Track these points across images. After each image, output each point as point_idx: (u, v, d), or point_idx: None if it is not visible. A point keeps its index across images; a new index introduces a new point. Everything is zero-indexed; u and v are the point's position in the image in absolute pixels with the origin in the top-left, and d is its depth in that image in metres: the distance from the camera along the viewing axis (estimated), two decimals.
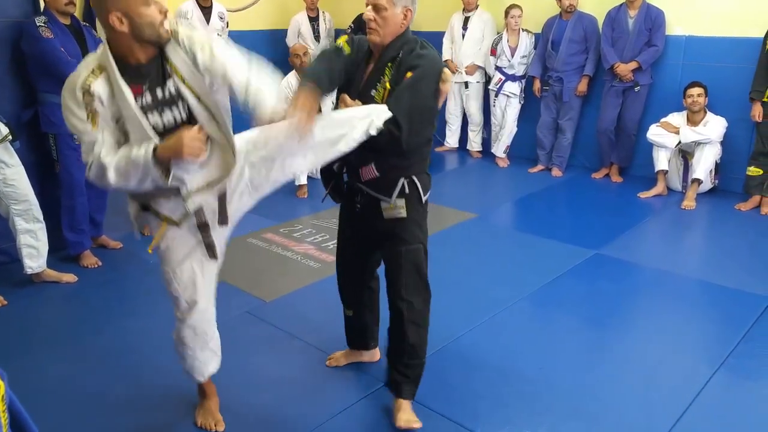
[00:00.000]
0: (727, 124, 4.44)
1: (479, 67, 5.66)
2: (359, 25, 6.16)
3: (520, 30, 5.34)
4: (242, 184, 1.88)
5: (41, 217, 3.17)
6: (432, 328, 2.77)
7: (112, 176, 1.70)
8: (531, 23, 5.34)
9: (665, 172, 4.66)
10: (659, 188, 4.68)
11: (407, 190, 2.04)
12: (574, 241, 3.81)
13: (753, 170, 4.38)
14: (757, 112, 4.26)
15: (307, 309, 3.00)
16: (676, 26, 4.79)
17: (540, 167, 5.44)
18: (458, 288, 3.22)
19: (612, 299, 3.13)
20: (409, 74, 1.90)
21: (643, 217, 4.30)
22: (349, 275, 2.37)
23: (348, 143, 1.86)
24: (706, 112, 4.50)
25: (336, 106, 2.03)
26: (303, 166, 1.93)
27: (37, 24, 3.17)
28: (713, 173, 4.59)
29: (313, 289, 3.21)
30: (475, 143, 5.95)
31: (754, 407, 2.29)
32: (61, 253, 3.52)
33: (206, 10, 5.46)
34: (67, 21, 3.31)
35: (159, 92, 1.74)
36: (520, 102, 5.51)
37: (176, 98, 1.76)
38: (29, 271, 3.18)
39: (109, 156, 1.71)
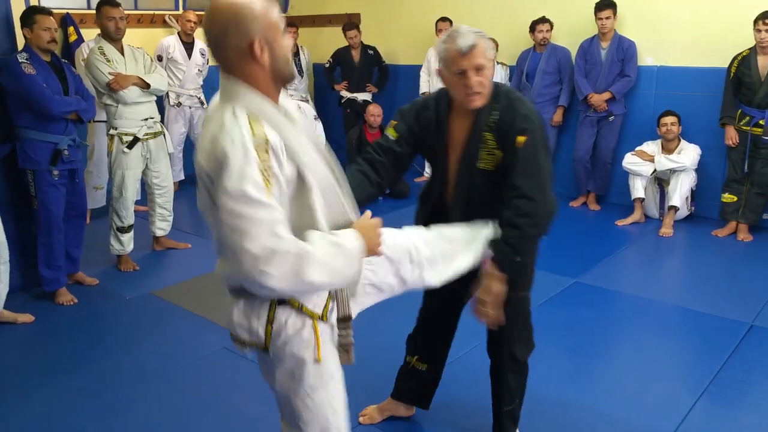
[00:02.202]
0: (701, 152, 4.55)
1: None
2: (337, 60, 6.26)
3: (495, 63, 5.44)
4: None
5: (7, 257, 3.09)
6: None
7: (316, 275, 1.23)
8: (505, 56, 5.46)
9: (642, 200, 4.73)
10: (636, 216, 4.74)
11: None
12: (554, 270, 3.82)
13: (727, 197, 4.47)
14: (730, 135, 4.37)
15: None
16: (648, 57, 4.93)
17: None
18: None
19: (592, 327, 3.13)
20: (521, 139, 1.73)
21: (621, 244, 4.35)
22: (439, 327, 2.19)
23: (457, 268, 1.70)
24: (680, 140, 4.61)
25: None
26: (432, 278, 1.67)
27: (20, 60, 3.18)
28: (689, 200, 4.67)
29: None
30: None
31: None
32: (36, 290, 3.46)
33: (188, 46, 5.52)
34: (47, 58, 3.32)
35: None
36: None
37: None
38: None
39: (308, 243, 1.25)
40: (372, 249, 1.38)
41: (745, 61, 4.25)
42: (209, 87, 5.80)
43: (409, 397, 2.33)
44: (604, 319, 3.24)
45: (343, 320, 1.47)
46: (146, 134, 3.80)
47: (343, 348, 1.48)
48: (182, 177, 5.72)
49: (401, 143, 1.90)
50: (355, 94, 6.23)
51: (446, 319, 2.18)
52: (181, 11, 5.85)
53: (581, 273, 3.78)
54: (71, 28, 5.00)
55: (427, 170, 6.11)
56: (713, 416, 2.40)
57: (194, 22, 5.43)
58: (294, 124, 1.34)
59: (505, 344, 2.01)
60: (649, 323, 3.21)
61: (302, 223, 1.30)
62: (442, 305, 2.15)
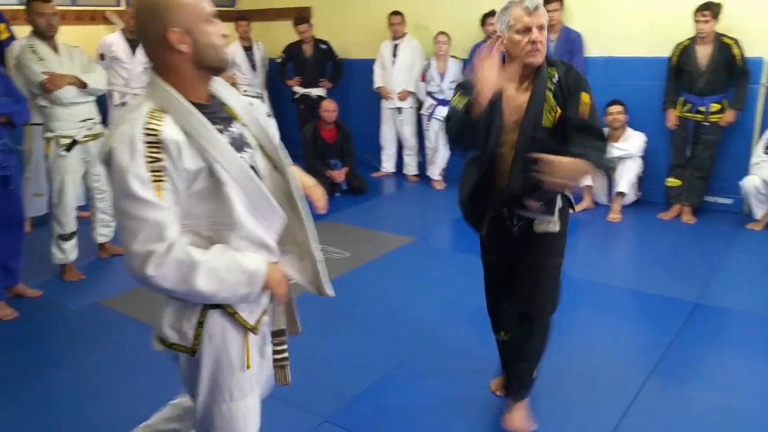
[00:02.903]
0: (647, 139, 4.68)
1: (411, 92, 5.76)
2: (289, 55, 6.18)
3: (448, 56, 5.48)
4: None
5: None
6: (373, 356, 2.78)
7: (202, 284, 1.24)
8: (459, 50, 5.49)
9: (591, 187, 4.84)
10: (586, 202, 4.86)
11: (561, 205, 2.09)
12: None
13: (672, 181, 4.62)
14: (671, 118, 4.54)
15: None
16: (594, 48, 5.03)
17: None
18: (398, 312, 3.22)
19: None
20: (585, 95, 1.93)
21: (573, 230, 4.37)
22: (506, 298, 2.32)
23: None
24: (626, 128, 4.73)
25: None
26: None
27: None
28: (636, 186, 4.81)
29: None
30: (411, 167, 6.02)
31: (686, 410, 2.37)
32: None
33: (133, 43, 5.35)
34: None
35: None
36: None
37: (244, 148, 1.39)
38: None
39: (195, 249, 1.25)
40: (274, 287, 1.39)
41: (685, 51, 4.40)
42: None
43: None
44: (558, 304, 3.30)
45: (277, 334, 1.50)
46: (85, 136, 3.66)
47: (278, 364, 1.51)
48: None
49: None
50: (308, 90, 6.17)
51: (508, 289, 2.29)
52: (123, 7, 5.67)
53: None
54: (2, 26, 4.75)
55: (385, 165, 6.12)
56: (663, 394, 2.48)
57: None
58: (228, 119, 1.36)
59: (537, 303, 2.17)
60: (601, 306, 3.30)
61: (221, 217, 1.30)
62: (503, 279, 2.30)
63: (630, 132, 4.71)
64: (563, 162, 1.80)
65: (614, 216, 4.62)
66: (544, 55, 1.95)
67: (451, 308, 3.24)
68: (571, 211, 2.17)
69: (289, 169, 1.48)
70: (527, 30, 1.90)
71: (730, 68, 4.30)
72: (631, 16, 4.82)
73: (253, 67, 6.30)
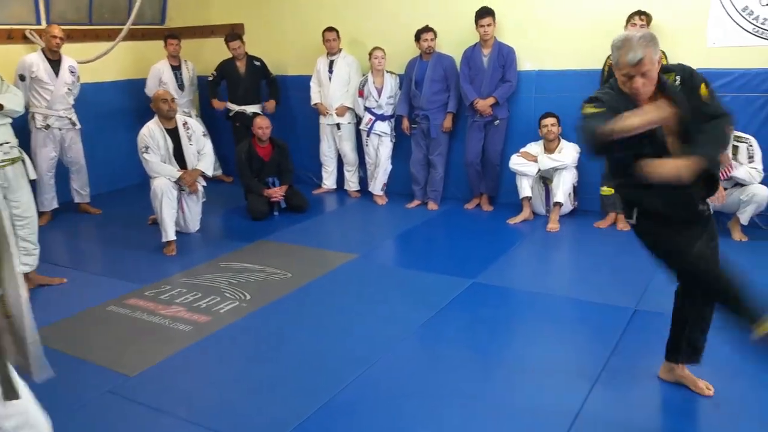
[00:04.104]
0: (580, 149, 4.81)
1: (349, 108, 5.73)
2: (222, 73, 6.04)
3: (385, 71, 5.49)
4: None
5: None
6: (317, 380, 2.69)
7: None
8: (394, 65, 5.50)
9: (529, 198, 4.92)
10: (525, 214, 4.93)
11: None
12: (453, 272, 3.88)
13: (606, 190, 4.76)
14: None
15: (178, 379, 2.76)
16: (527, 62, 5.15)
17: (416, 202, 5.55)
18: (343, 333, 3.14)
19: (493, 326, 3.19)
20: (704, 88, 2.16)
21: (514, 242, 4.50)
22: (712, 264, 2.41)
23: None
24: (560, 140, 4.85)
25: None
26: None
27: None
28: (572, 195, 4.93)
29: (185, 355, 2.96)
30: (352, 183, 5.97)
31: (633, 416, 2.39)
32: None
33: (54, 63, 5.09)
34: None
35: None
36: (391, 140, 5.63)
37: None
38: None
39: None
40: None
41: None
42: (82, 106, 5.38)
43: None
44: (502, 318, 3.31)
45: None
46: (2, 161, 3.42)
47: None
48: (55, 205, 5.26)
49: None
50: (243, 107, 6.03)
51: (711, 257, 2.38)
52: (44, 26, 5.38)
53: (479, 273, 3.85)
54: None
55: (325, 182, 6.04)
56: (608, 401, 2.49)
57: (60, 38, 5.00)
58: None
59: (714, 273, 2.28)
60: (543, 317, 3.32)
61: None
62: (705, 249, 2.35)
63: (564, 143, 4.83)
64: (664, 162, 2.07)
65: (553, 226, 4.71)
66: (652, 87, 2.15)
67: (397, 326, 3.18)
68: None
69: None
70: (630, 77, 2.12)
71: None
72: (562, 30, 4.96)
73: (180, 86, 6.13)
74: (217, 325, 3.25)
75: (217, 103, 6.06)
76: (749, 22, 4.28)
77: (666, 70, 2.20)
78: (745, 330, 2.24)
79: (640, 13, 4.41)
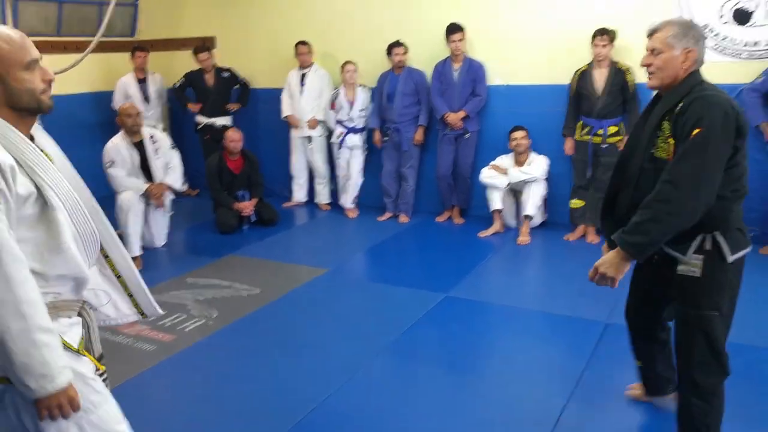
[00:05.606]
0: (550, 162, 4.85)
1: (320, 121, 5.69)
2: (189, 81, 5.96)
3: (357, 84, 5.47)
4: None
5: None
6: (288, 399, 2.61)
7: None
8: (366, 78, 5.49)
9: (500, 211, 4.94)
10: (496, 226, 4.94)
11: (707, 247, 1.85)
12: (425, 286, 3.85)
13: (575, 203, 4.80)
14: (568, 146, 4.76)
15: (141, 401, 2.65)
16: (496, 77, 5.20)
17: (388, 215, 5.52)
18: (314, 350, 3.07)
19: (465, 341, 3.16)
20: (696, 130, 1.74)
21: (485, 255, 4.49)
22: (635, 325, 2.24)
23: None
24: (529, 153, 4.88)
25: None
26: None
27: None
28: (542, 208, 4.96)
29: (149, 376, 2.86)
30: (323, 196, 5.91)
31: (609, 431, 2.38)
32: None
33: None
34: None
35: None
36: (363, 153, 5.60)
37: None
38: None
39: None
40: (59, 391, 1.30)
41: (583, 75, 4.62)
42: (48, 119, 5.20)
43: (648, 390, 2.44)
44: (475, 332, 3.28)
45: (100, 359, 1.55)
46: None
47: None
48: None
49: None
50: (212, 120, 5.94)
51: (641, 315, 2.24)
52: None
53: (451, 287, 3.83)
54: None
55: (296, 195, 5.97)
56: (583, 417, 2.48)
57: None
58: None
59: (685, 364, 1.97)
60: (517, 331, 3.31)
61: (47, 244, 1.34)
62: (638, 304, 2.24)
63: (534, 156, 4.87)
64: (599, 266, 1.91)
65: (523, 239, 4.73)
66: (662, 81, 1.91)
67: (369, 341, 3.13)
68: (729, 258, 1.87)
69: (101, 215, 1.54)
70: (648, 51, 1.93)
71: (624, 93, 4.56)
72: (530, 45, 5.02)
73: (146, 99, 6.03)
74: (183, 344, 3.15)
75: (192, 106, 5.96)
76: (711, 38, 4.39)
77: (687, 88, 1.86)
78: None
79: (603, 31, 4.49)
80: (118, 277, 1.61)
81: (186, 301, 3.69)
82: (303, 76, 5.68)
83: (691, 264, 1.87)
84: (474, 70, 5.07)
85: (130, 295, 1.65)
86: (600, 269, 1.93)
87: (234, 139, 5.22)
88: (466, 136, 5.14)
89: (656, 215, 1.79)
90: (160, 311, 1.72)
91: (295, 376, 2.82)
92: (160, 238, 4.73)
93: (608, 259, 1.90)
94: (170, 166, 4.66)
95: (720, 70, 4.44)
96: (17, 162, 1.30)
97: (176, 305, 3.62)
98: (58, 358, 1.29)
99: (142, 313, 1.69)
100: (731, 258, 1.86)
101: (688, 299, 1.92)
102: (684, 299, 1.93)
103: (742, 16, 4.37)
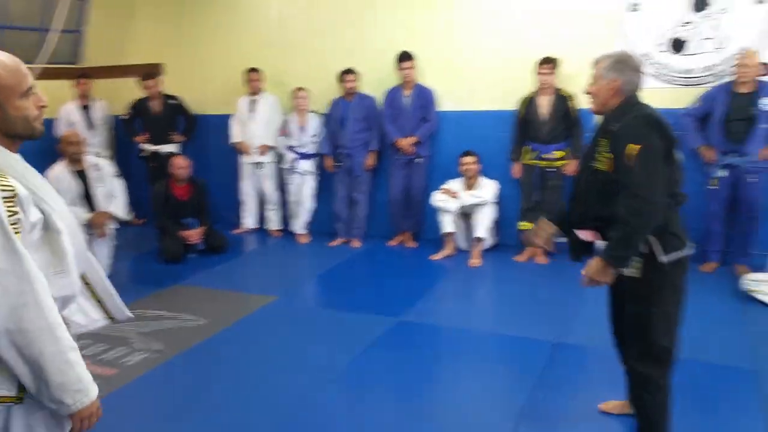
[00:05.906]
0: (500, 186, 4.92)
1: (271, 147, 5.64)
2: (137, 110, 5.83)
3: (308, 110, 5.46)
4: None
5: None
6: None
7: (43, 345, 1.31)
8: (317, 104, 5.49)
9: (452, 234, 4.97)
10: (448, 249, 4.96)
11: (644, 250, 2.03)
12: (377, 311, 3.81)
13: (524, 225, 4.87)
14: (516, 170, 4.89)
15: None
16: (447, 102, 5.28)
17: (340, 240, 5.48)
18: (262, 383, 2.97)
19: (417, 366, 3.12)
20: (631, 147, 1.95)
21: (437, 278, 4.50)
22: (613, 329, 2.38)
23: None
24: (479, 177, 4.95)
25: None
26: None
27: None
28: (493, 230, 5.01)
29: None
30: (273, 222, 5.83)
31: None
32: None
33: None
34: None
35: None
36: (315, 179, 5.57)
37: None
38: None
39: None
40: (93, 402, 1.39)
41: (530, 102, 4.75)
42: None
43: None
44: (426, 357, 3.25)
45: None
46: None
47: None
48: None
49: None
50: (158, 147, 5.81)
51: (614, 319, 2.38)
52: None
53: (403, 311, 3.80)
54: None
55: (246, 221, 5.87)
56: None
57: None
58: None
59: (627, 355, 2.24)
60: (469, 354, 3.29)
61: (51, 262, 1.36)
62: (610, 309, 2.38)
63: (484, 180, 4.93)
64: (585, 273, 2.10)
65: (475, 261, 4.76)
66: (597, 106, 2.16)
67: (319, 371, 3.05)
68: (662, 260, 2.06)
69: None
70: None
71: (567, 119, 4.69)
72: (478, 74, 5.13)
73: (90, 126, 5.87)
74: (125, 378, 3.00)
75: (139, 138, 5.84)
76: (650, 66, 4.59)
77: (621, 114, 2.07)
78: None
79: (547, 60, 4.64)
80: (86, 283, 1.62)
81: (128, 333, 3.53)
82: (253, 102, 5.63)
83: (633, 266, 2.07)
84: (424, 96, 5.14)
85: (99, 301, 1.67)
86: (587, 275, 2.12)
87: (181, 165, 5.11)
88: (417, 161, 5.18)
89: (634, 229, 1.99)
90: (130, 314, 1.74)
91: (243, 410, 2.72)
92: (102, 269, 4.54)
93: (593, 267, 2.10)
94: (114, 195, 4.52)
95: (659, 95, 4.62)
96: (27, 189, 1.34)
97: (118, 338, 3.45)
98: (87, 373, 1.38)
99: (111, 318, 1.71)
100: (664, 259, 2.04)
101: (631, 297, 2.15)
102: (629, 298, 2.16)
103: (677, 46, 4.59)
